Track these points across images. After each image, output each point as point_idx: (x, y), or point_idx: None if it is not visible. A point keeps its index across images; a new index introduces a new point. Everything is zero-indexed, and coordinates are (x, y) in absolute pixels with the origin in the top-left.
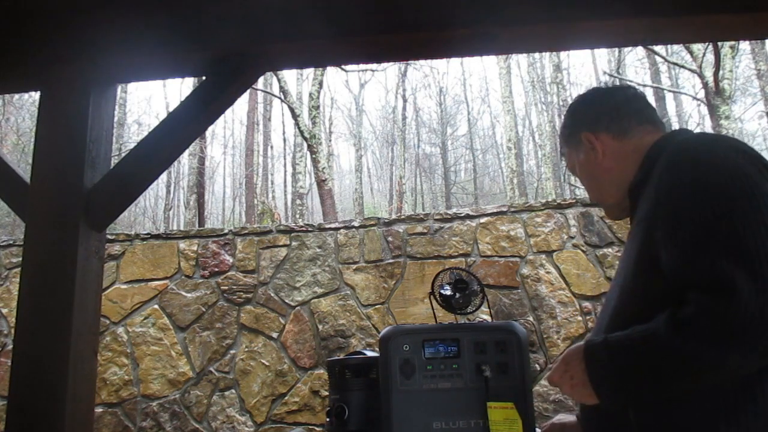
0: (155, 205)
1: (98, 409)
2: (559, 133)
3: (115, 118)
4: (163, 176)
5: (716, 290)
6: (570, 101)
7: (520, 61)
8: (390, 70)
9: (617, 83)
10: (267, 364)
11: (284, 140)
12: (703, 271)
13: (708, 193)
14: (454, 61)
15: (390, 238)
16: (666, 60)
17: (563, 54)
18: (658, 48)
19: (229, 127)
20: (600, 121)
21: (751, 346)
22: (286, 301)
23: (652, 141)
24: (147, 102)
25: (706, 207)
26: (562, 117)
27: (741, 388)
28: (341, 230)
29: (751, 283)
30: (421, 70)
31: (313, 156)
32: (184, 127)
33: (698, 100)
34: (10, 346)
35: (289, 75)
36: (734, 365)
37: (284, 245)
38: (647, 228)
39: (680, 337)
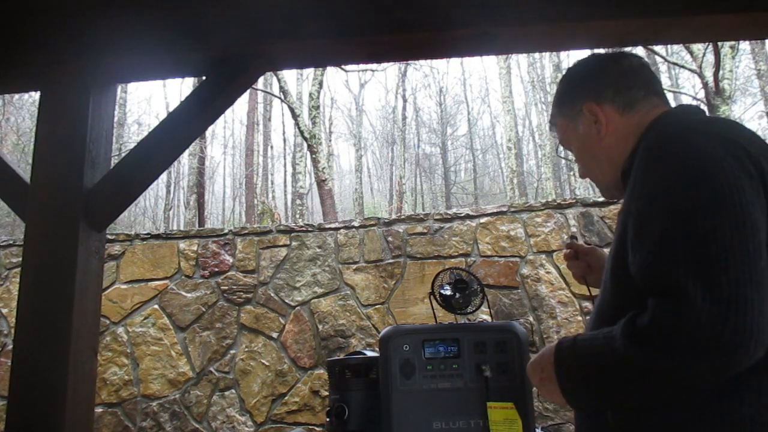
0: (155, 205)
1: (98, 409)
2: (553, 101)
3: (115, 118)
4: (163, 176)
5: (669, 298)
6: None
7: (520, 61)
8: (390, 70)
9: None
10: (267, 364)
11: (284, 140)
12: (659, 277)
13: (676, 192)
14: (454, 61)
15: (390, 238)
16: (666, 60)
17: (563, 54)
18: (658, 48)
19: (229, 127)
20: (605, 90)
21: (701, 359)
22: (286, 301)
23: (654, 117)
24: (147, 102)
25: (672, 207)
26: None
27: (724, 395)
28: (341, 230)
29: (706, 292)
30: (421, 70)
31: (313, 156)
32: (184, 127)
33: (698, 100)
34: (10, 346)
35: (289, 75)
36: (686, 378)
37: (284, 245)
38: (623, 222)
39: (633, 345)
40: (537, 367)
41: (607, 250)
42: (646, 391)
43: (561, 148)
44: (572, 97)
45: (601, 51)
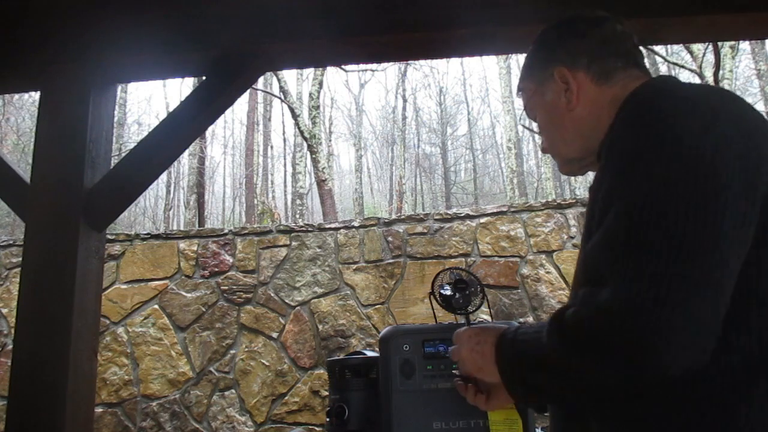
0: (155, 205)
1: (98, 409)
2: (524, 62)
3: (115, 118)
4: (163, 176)
5: (594, 288)
6: None
7: (520, 61)
8: (390, 70)
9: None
10: (267, 364)
11: (284, 140)
12: (598, 266)
13: (639, 170)
14: (454, 61)
15: (390, 238)
16: (666, 60)
17: None
18: (658, 48)
19: (229, 127)
20: (580, 57)
21: (622, 361)
22: (286, 301)
23: (633, 89)
24: (147, 102)
25: (635, 187)
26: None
27: (715, 404)
28: (341, 230)
29: (631, 285)
30: (421, 70)
31: (313, 156)
32: (184, 127)
33: None
34: (10, 346)
35: (289, 75)
36: (602, 377)
37: (284, 245)
38: (593, 200)
39: (552, 338)
40: (474, 338)
41: None
42: (570, 386)
43: (526, 117)
44: (544, 59)
45: (586, 13)
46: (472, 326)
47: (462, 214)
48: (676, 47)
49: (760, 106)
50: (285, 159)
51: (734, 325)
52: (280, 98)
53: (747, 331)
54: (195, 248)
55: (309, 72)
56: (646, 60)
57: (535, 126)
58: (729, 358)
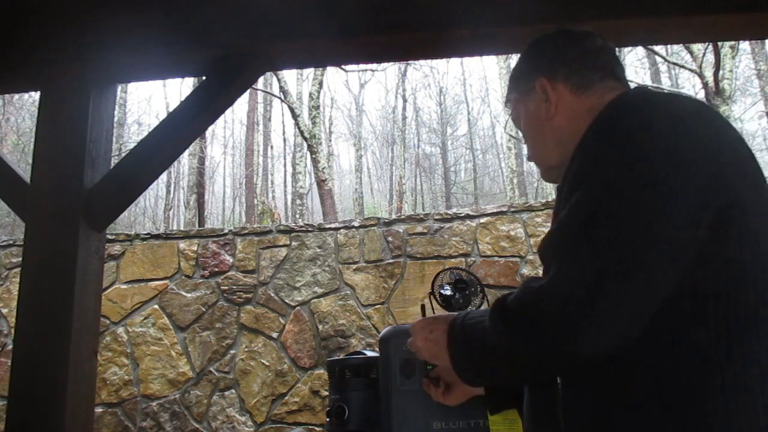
0: (155, 205)
1: (98, 409)
2: (510, 75)
3: (115, 118)
4: (163, 176)
5: (540, 279)
6: None
7: None
8: (390, 70)
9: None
10: (267, 364)
11: (284, 140)
12: (547, 256)
13: (595, 176)
14: (454, 61)
15: (390, 238)
16: (666, 60)
17: None
18: (658, 48)
19: (229, 127)
20: (560, 68)
21: (551, 342)
22: (286, 301)
23: (609, 100)
24: (147, 102)
25: (587, 189)
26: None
27: (674, 396)
28: (341, 230)
29: (568, 276)
30: (421, 70)
31: (313, 156)
32: (184, 127)
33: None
34: (10, 346)
35: (289, 75)
36: (541, 361)
37: (284, 245)
38: (557, 201)
39: (492, 320)
40: (427, 327)
41: None
42: (513, 367)
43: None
44: (527, 70)
45: (570, 29)
46: (426, 316)
47: (462, 214)
48: (676, 47)
49: (760, 106)
50: (285, 159)
51: (692, 319)
52: (280, 98)
53: (704, 325)
54: (195, 248)
55: (309, 72)
56: (646, 59)
57: (521, 135)
58: (687, 350)
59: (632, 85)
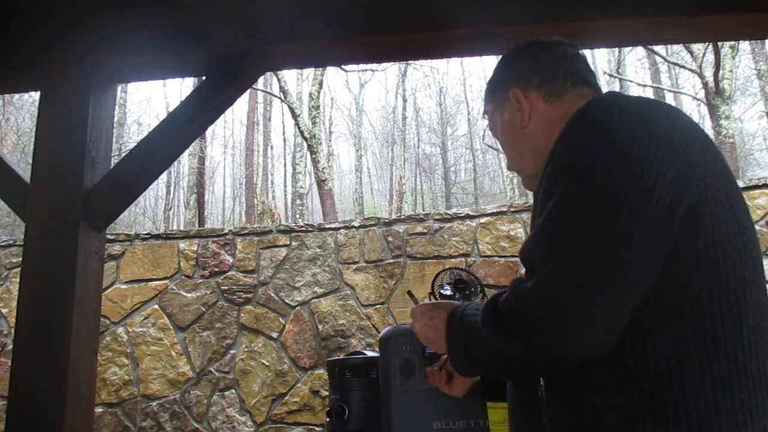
0: (155, 205)
1: (98, 409)
2: (486, 87)
3: (115, 118)
4: (163, 176)
5: (527, 280)
6: None
7: None
8: (390, 70)
9: (559, 40)
10: (267, 364)
11: (284, 140)
12: (529, 259)
13: (569, 177)
14: (454, 61)
15: (390, 238)
16: (666, 60)
17: None
18: (658, 48)
19: (229, 127)
20: (532, 78)
21: (541, 342)
22: (286, 301)
23: (581, 105)
24: (147, 102)
25: (563, 191)
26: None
27: (651, 390)
28: (341, 230)
29: (549, 277)
30: (421, 70)
31: (313, 156)
32: (184, 127)
33: (698, 100)
34: (10, 346)
35: (289, 75)
36: (531, 358)
37: (284, 245)
38: (534, 204)
39: (483, 319)
40: (428, 314)
41: None
42: (502, 363)
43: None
44: (501, 82)
45: (541, 39)
46: (427, 302)
47: (462, 214)
48: (676, 47)
49: (760, 106)
50: (285, 159)
51: (670, 315)
52: (280, 98)
53: (681, 321)
54: (195, 248)
55: (309, 72)
56: (646, 59)
57: (499, 144)
58: (665, 347)
59: (632, 86)
